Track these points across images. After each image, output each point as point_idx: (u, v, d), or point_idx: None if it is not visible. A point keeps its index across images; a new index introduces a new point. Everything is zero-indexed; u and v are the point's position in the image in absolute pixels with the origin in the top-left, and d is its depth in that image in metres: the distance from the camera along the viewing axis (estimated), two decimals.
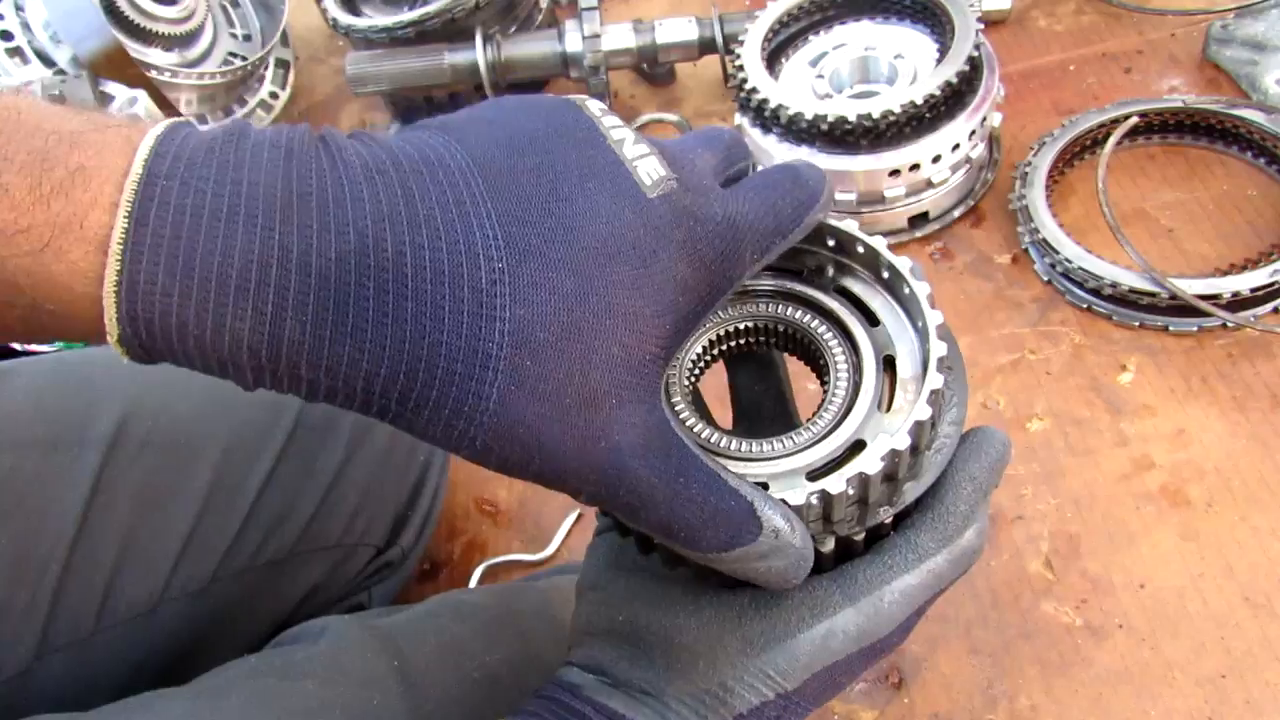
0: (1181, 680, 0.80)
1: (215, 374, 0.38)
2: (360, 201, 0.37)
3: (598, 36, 1.32)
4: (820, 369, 0.52)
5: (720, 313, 0.53)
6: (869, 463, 0.43)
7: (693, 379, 0.53)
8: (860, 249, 0.51)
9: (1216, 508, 0.88)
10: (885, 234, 0.63)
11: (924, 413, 0.44)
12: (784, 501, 0.43)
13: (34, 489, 0.71)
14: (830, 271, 0.53)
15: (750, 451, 0.48)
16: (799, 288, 0.53)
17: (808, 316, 0.52)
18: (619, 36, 1.34)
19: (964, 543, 0.47)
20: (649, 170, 0.42)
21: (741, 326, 0.53)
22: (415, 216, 0.37)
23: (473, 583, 1.03)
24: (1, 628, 0.68)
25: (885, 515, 0.46)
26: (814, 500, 0.44)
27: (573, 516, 1.04)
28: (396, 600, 0.98)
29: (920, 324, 0.48)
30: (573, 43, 1.35)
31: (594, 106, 0.44)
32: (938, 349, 0.46)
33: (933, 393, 0.45)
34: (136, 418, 0.76)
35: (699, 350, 0.53)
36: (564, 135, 0.42)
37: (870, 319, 0.51)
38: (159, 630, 0.74)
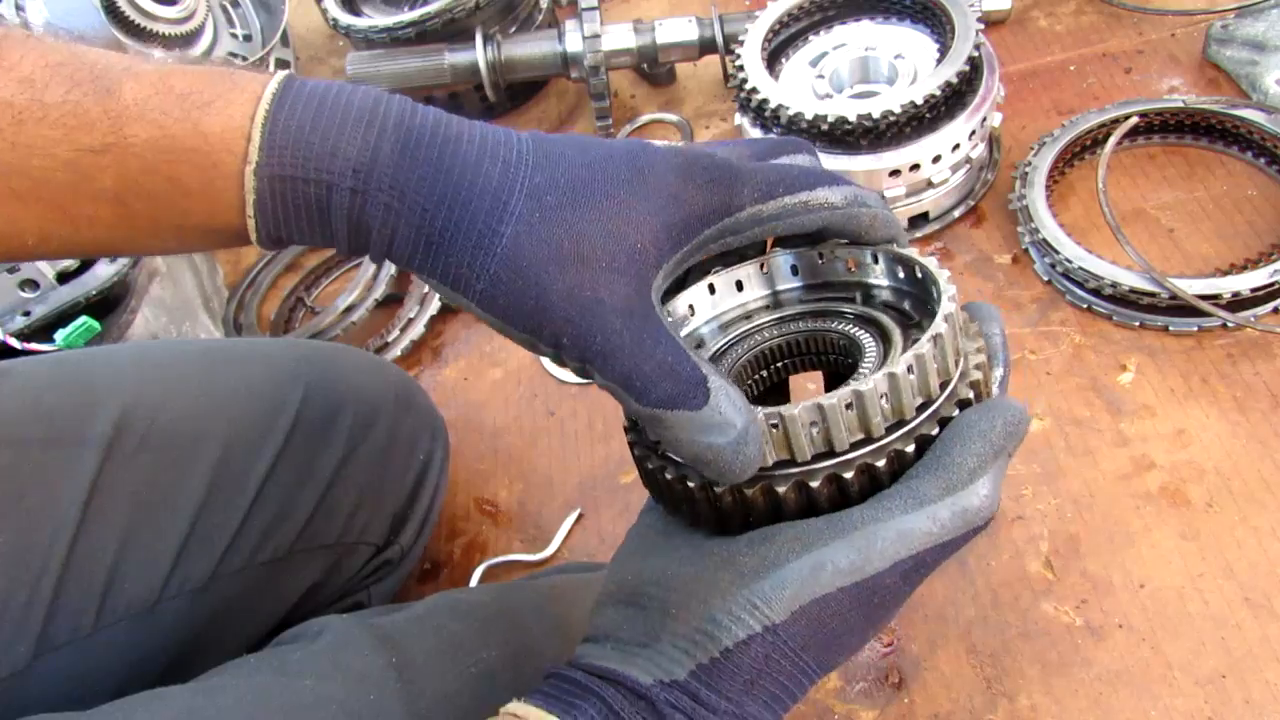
0: (1181, 680, 0.80)
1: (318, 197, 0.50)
2: (438, 111, 0.53)
3: (598, 36, 1.32)
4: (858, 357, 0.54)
5: (760, 335, 0.57)
6: (896, 365, 0.46)
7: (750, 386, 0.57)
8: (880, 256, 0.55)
9: (1216, 508, 0.88)
10: None
11: (940, 327, 0.47)
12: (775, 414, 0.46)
13: (33, 487, 0.71)
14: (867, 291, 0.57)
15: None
16: (840, 307, 0.56)
17: (846, 326, 0.54)
18: (619, 36, 1.34)
19: (970, 498, 0.46)
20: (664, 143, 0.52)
21: (779, 345, 0.57)
22: (473, 123, 0.53)
23: (473, 583, 1.03)
24: (1, 626, 0.68)
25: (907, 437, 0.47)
26: (846, 406, 0.46)
27: (573, 516, 1.05)
28: (396, 600, 0.98)
29: (936, 291, 0.51)
30: (573, 43, 1.35)
31: None
32: (949, 290, 0.49)
33: (947, 317, 0.47)
34: (135, 416, 0.76)
35: (750, 361, 0.56)
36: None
37: (905, 316, 0.54)
38: (158, 628, 0.74)
